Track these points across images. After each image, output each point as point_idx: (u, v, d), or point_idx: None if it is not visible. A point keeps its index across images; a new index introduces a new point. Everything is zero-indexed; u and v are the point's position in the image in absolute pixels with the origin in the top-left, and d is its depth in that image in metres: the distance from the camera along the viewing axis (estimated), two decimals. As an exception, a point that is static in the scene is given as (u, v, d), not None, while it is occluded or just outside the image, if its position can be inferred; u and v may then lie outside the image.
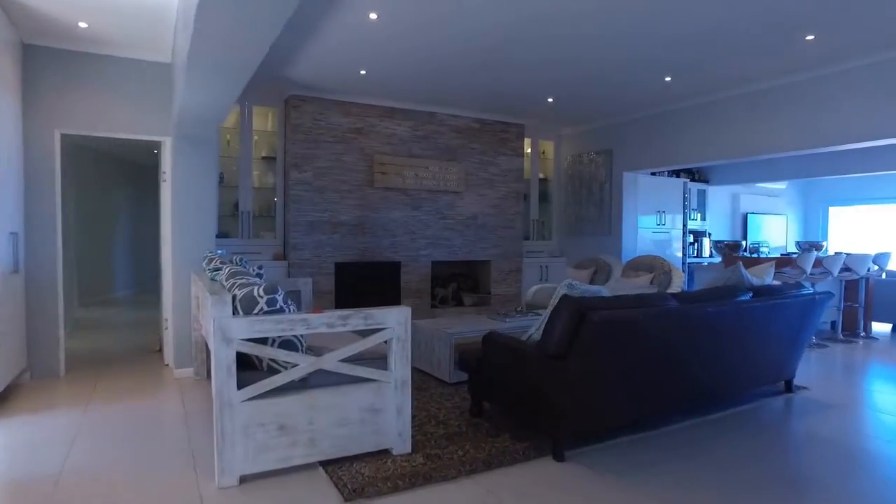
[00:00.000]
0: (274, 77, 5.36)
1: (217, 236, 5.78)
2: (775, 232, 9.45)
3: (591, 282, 6.08)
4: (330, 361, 2.71)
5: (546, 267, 7.48)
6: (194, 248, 4.54)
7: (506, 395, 3.13)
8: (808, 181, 9.72)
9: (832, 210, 9.91)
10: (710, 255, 8.26)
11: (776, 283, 3.87)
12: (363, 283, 6.28)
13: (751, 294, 3.39)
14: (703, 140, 5.83)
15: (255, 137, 6.07)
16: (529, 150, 7.60)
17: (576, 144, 7.53)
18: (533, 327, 3.16)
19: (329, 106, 5.94)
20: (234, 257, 4.04)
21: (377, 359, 2.94)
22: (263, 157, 6.09)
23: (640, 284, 5.24)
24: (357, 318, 2.75)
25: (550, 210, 7.88)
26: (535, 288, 6.26)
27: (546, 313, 2.98)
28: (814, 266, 5.62)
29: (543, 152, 7.90)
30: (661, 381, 3.04)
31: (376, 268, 6.31)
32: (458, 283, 7.07)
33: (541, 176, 7.79)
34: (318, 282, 5.93)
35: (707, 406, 3.54)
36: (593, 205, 7.16)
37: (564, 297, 2.74)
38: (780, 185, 9.48)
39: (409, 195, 6.40)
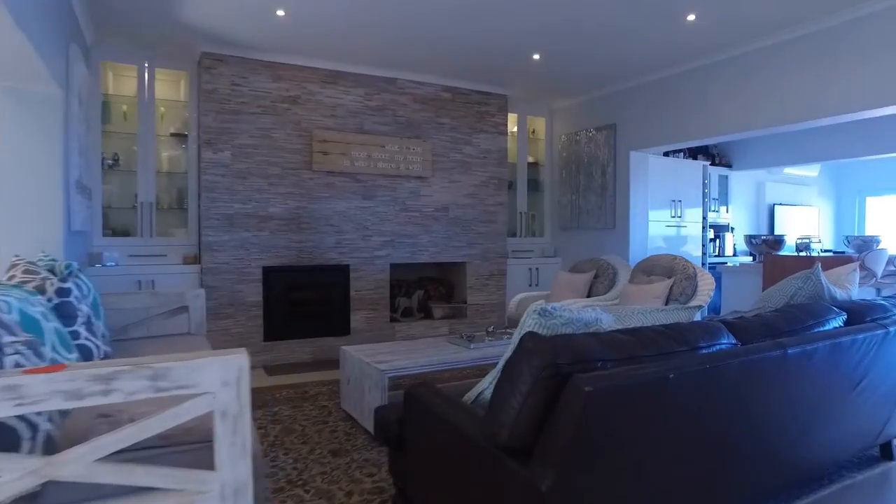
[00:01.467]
0: (176, 27, 4.07)
1: (112, 234, 4.52)
2: (806, 225, 8.11)
3: (591, 291, 4.78)
4: (76, 464, 1.42)
5: (536, 270, 6.18)
6: (29, 252, 3.25)
7: (441, 494, 1.83)
8: (842, 168, 8.38)
9: (870, 200, 8.57)
10: (734, 254, 6.93)
11: (864, 297, 2.56)
12: (301, 293, 4.99)
13: (845, 316, 2.08)
14: (732, 106, 4.51)
15: (162, 109, 4.78)
16: (516, 129, 6.30)
17: (571, 120, 6.22)
18: (487, 379, 1.86)
19: (253, 67, 4.65)
20: (60, 265, 2.74)
21: (197, 446, 1.65)
22: (174, 134, 4.80)
23: (656, 294, 3.94)
24: (136, 379, 1.45)
25: (542, 201, 6.57)
26: (519, 297, 4.97)
27: (500, 364, 1.68)
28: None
29: (533, 131, 6.60)
30: (705, 474, 1.73)
31: (318, 272, 5.01)
32: (426, 290, 5.77)
33: (530, 160, 6.48)
34: (242, 291, 4.64)
35: (773, 495, 2.23)
36: (593, 193, 5.85)
37: (529, 340, 1.44)
38: (811, 172, 8.14)
39: (360, 181, 5.11)
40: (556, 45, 4.45)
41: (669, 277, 4.03)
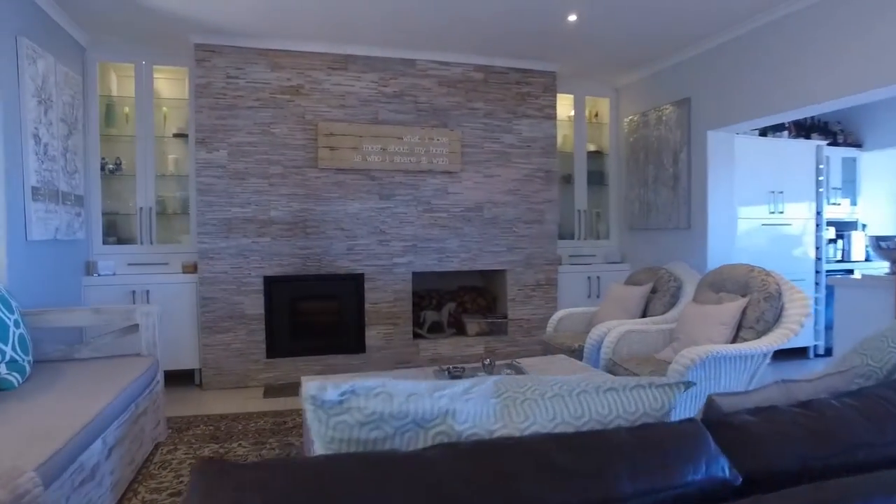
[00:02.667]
0: (161, 17, 3.72)
1: (116, 242, 4.31)
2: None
3: (646, 309, 3.76)
4: None
5: (598, 278, 5.18)
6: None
7: None
8: None
9: None
10: (867, 259, 5.40)
11: None
12: (308, 305, 4.48)
13: None
14: (845, 60, 3.26)
15: (165, 109, 4.50)
16: (573, 113, 5.35)
17: (640, 98, 5.14)
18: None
19: (249, 57, 4.21)
20: None
21: None
22: (176, 135, 4.50)
23: (722, 319, 2.89)
24: None
25: (607, 196, 5.54)
26: (560, 314, 4.10)
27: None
28: None
29: (596, 115, 5.59)
30: None
31: (327, 282, 4.46)
32: (461, 302, 5.02)
33: (591, 148, 5.48)
34: (241, 303, 4.22)
35: None
36: (664, 186, 4.75)
37: (196, 473, 0.70)
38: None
39: (375, 178, 4.49)
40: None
41: (744, 296, 2.95)
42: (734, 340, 2.87)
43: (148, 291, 4.13)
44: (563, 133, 5.41)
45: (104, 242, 4.27)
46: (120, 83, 4.47)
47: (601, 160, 5.55)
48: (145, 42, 4.19)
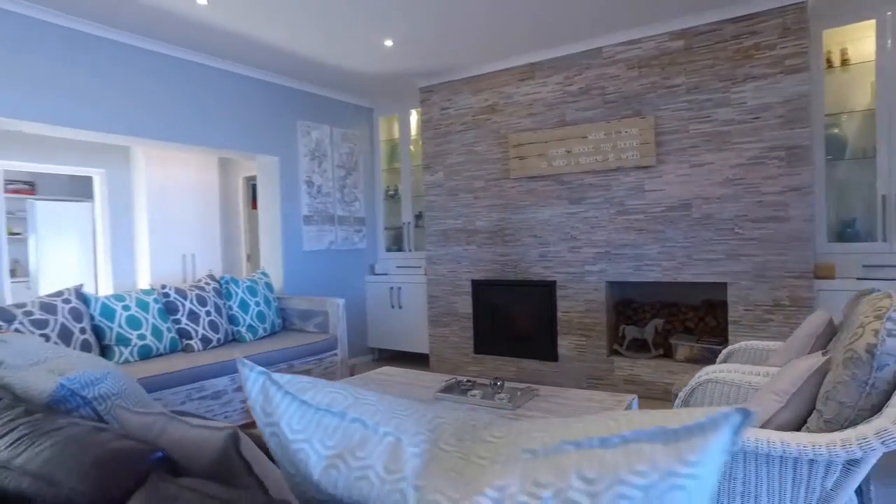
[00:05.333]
0: (408, 74, 4.86)
1: (398, 249, 5.78)
2: None
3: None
4: None
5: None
6: (267, 266, 4.81)
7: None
8: None
9: None
10: None
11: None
12: (505, 308, 4.74)
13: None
14: None
15: (421, 143, 5.62)
16: (875, 47, 3.58)
17: None
18: None
19: (457, 88, 4.84)
20: (203, 279, 4.07)
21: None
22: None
23: (776, 385, 1.80)
24: None
25: (956, 170, 3.42)
26: (733, 347, 3.19)
27: None
28: None
29: (939, 42, 3.51)
30: None
31: (522, 288, 4.61)
32: (683, 319, 4.17)
33: (921, 97, 3.51)
34: (455, 303, 4.92)
35: None
36: None
37: None
38: None
39: (564, 183, 4.34)
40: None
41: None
42: (802, 425, 1.71)
43: (400, 288, 5.34)
44: (869, 81, 3.68)
45: (388, 250, 5.74)
46: (398, 129, 5.88)
47: (946, 112, 3.47)
48: (402, 97, 5.41)
